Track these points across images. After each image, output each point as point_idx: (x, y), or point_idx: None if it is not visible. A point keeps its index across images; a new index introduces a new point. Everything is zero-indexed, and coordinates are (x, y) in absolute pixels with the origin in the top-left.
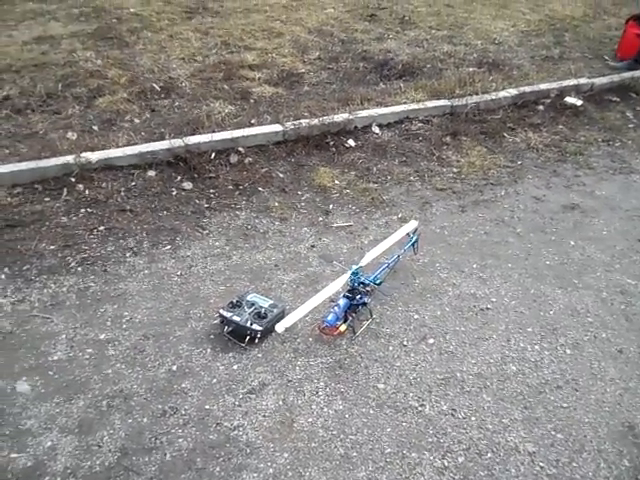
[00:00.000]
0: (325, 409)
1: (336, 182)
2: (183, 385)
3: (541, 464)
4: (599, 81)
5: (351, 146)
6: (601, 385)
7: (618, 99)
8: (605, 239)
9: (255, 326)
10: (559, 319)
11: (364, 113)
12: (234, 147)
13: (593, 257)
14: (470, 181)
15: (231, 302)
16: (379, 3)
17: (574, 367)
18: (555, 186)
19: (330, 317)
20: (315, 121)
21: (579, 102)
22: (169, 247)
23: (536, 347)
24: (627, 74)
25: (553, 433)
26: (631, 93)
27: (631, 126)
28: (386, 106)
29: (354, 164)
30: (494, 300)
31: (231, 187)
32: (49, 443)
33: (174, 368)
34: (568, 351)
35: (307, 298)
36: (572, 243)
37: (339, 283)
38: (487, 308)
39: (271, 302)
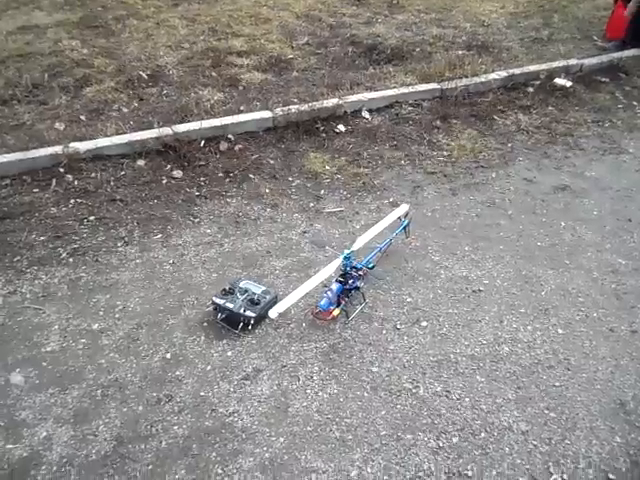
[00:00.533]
0: (320, 393)
1: (327, 167)
2: (177, 373)
3: (534, 442)
4: (588, 62)
5: (341, 131)
6: (593, 364)
7: (607, 79)
8: (596, 219)
9: (248, 312)
10: (551, 299)
11: (354, 98)
12: (224, 134)
13: (584, 237)
14: (461, 164)
15: (224, 289)
16: None
17: (566, 347)
18: (545, 168)
19: (323, 302)
20: (305, 107)
21: (568, 83)
22: (160, 236)
23: (528, 328)
24: (616, 54)
25: (546, 412)
26: (620, 73)
27: (620, 106)
28: (376, 90)
29: (344, 149)
30: (486, 282)
31: (221, 174)
32: (44, 433)
33: (168, 356)
34: (560, 331)
35: (300, 284)
36: (563, 224)
37: (331, 268)
38: (479, 290)
39: (264, 288)
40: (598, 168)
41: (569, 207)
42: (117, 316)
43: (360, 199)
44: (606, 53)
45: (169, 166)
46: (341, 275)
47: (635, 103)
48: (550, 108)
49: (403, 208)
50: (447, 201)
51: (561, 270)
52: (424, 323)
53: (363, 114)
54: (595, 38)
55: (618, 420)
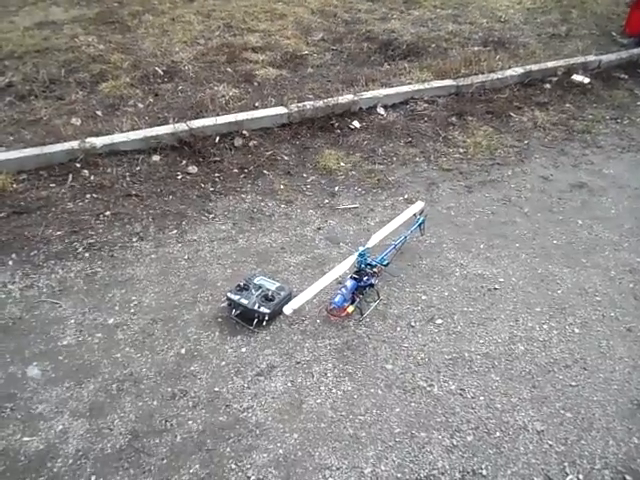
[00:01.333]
0: (334, 390)
1: (341, 164)
2: (192, 368)
3: (550, 442)
4: (607, 58)
5: (356, 127)
6: (610, 363)
7: (626, 76)
8: (613, 218)
9: (263, 309)
10: (567, 298)
11: (369, 94)
12: (238, 130)
13: (601, 236)
14: (477, 161)
15: (238, 285)
16: None
17: (582, 346)
18: (562, 165)
19: (337, 299)
20: (320, 103)
21: (586, 80)
22: (175, 231)
23: (544, 326)
24: (636, 50)
25: (562, 412)
26: (639, 70)
27: (639, 103)
28: (391, 87)
29: (359, 145)
30: (502, 280)
31: (236, 170)
32: (60, 427)
33: (183, 351)
34: (576, 330)
35: (314, 280)
36: (580, 222)
37: (346, 265)
38: (495, 288)
39: (278, 285)
40: (616, 166)
41: (586, 205)
42: (132, 311)
43: (375, 196)
44: (625, 49)
45: (184, 162)
46: (356, 272)
47: None
48: (567, 105)
49: (418, 205)
50: (462, 198)
51: (577, 269)
52: (439, 321)
53: (378, 110)
54: (614, 34)
55: (635, 421)
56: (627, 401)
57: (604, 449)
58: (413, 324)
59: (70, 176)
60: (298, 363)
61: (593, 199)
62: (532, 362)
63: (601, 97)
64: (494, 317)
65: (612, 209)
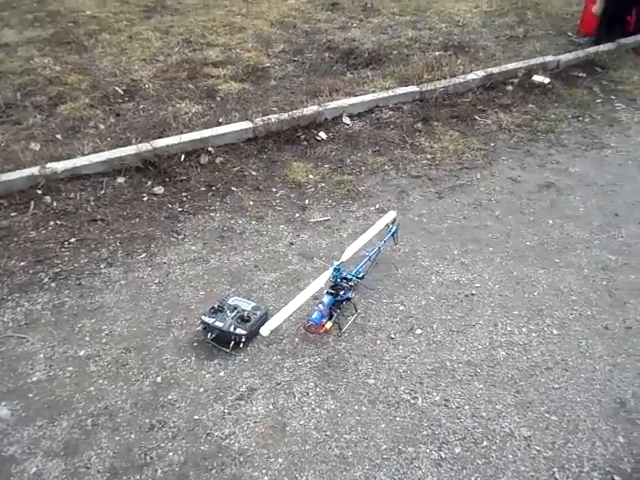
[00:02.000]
0: (317, 410)
1: (310, 176)
2: (169, 397)
3: (537, 448)
4: (565, 58)
5: (323, 139)
6: (590, 363)
7: (584, 74)
8: (583, 216)
9: (239, 330)
10: (544, 300)
11: (333, 104)
12: (204, 147)
13: (572, 235)
14: (445, 166)
15: (212, 307)
16: None
17: (562, 347)
18: (529, 166)
19: (315, 315)
20: (285, 115)
21: (547, 80)
22: (144, 255)
23: (523, 330)
24: (591, 49)
25: (547, 415)
26: (597, 68)
27: (599, 101)
28: (355, 96)
29: (327, 157)
30: (478, 285)
31: (204, 189)
32: (34, 469)
33: (159, 380)
34: (555, 331)
35: (290, 297)
36: (550, 222)
37: (321, 280)
38: (472, 294)
39: (253, 304)
40: (582, 164)
41: (555, 205)
42: (104, 341)
43: (346, 207)
44: (581, 48)
45: (150, 182)
46: (332, 287)
47: (613, 97)
48: (530, 105)
49: (390, 215)
50: (433, 205)
51: (552, 269)
52: (418, 331)
53: (344, 120)
54: (569, 34)
55: (620, 419)
56: (610, 400)
57: (591, 450)
58: (393, 336)
59: (32, 203)
60: (279, 384)
61: (562, 198)
62: (514, 367)
63: (562, 96)
64: (473, 323)
65: (581, 207)
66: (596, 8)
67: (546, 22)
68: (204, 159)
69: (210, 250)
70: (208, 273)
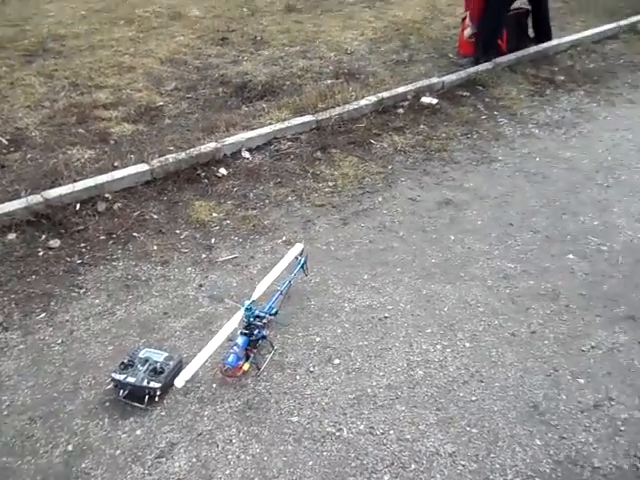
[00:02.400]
0: (242, 456)
1: (214, 214)
2: (83, 465)
3: (462, 463)
4: (448, 79)
5: (223, 175)
6: (502, 371)
7: (468, 93)
8: (481, 229)
9: (153, 384)
10: (453, 314)
11: (231, 139)
12: (100, 194)
13: (473, 248)
14: (347, 192)
15: (122, 362)
16: (228, 26)
17: (475, 359)
18: (427, 185)
19: (231, 358)
20: (182, 154)
21: (434, 101)
22: (44, 315)
23: (438, 347)
24: (472, 69)
25: (468, 429)
26: (478, 86)
27: (484, 117)
28: (252, 129)
29: (229, 193)
30: (390, 308)
31: (103, 237)
32: None
33: (70, 448)
34: (467, 344)
35: (203, 343)
36: (452, 238)
37: (234, 322)
38: (385, 317)
39: (166, 354)
40: (474, 179)
41: (455, 220)
42: (5, 413)
43: (253, 242)
44: (463, 69)
45: (44, 236)
46: (245, 327)
47: (496, 113)
48: (422, 126)
49: (298, 247)
50: (339, 232)
51: (458, 283)
52: (336, 361)
53: (243, 154)
54: (451, 56)
55: (534, 422)
56: (524, 405)
57: (512, 457)
58: (312, 369)
59: None
60: (200, 435)
61: (460, 213)
62: (432, 385)
63: (450, 115)
64: (389, 346)
65: (478, 220)
66: (467, 32)
67: (428, 46)
68: (101, 206)
69: (115, 301)
70: (115, 326)
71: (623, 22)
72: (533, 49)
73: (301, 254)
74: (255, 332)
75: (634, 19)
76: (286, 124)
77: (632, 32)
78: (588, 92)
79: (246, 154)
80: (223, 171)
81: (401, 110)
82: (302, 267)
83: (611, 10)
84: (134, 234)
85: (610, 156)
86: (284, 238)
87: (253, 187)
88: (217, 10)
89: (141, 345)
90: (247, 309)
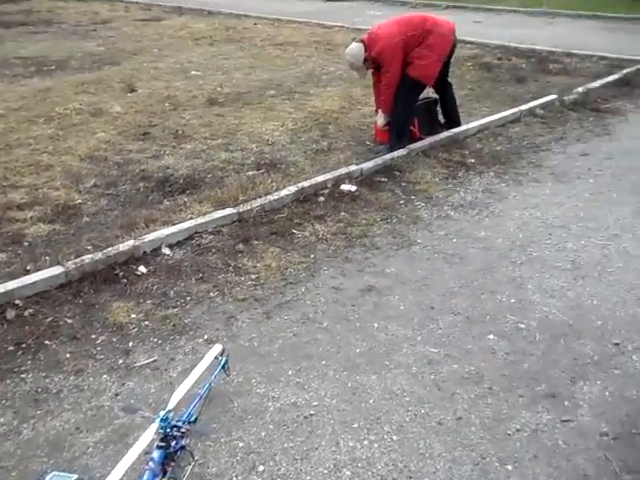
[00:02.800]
0: None
1: (132, 316)
2: None
3: None
4: (366, 166)
5: (143, 273)
6: (431, 464)
7: (386, 179)
8: (403, 314)
9: None
10: (380, 406)
11: (151, 236)
12: (9, 301)
13: (397, 334)
14: (270, 285)
15: None
16: (150, 121)
17: (403, 453)
18: (349, 272)
19: (146, 476)
20: (99, 254)
21: (354, 188)
22: None
23: (365, 442)
24: (388, 156)
25: None
26: (395, 172)
27: (402, 202)
28: (173, 224)
29: (149, 292)
30: (316, 404)
31: (12, 348)
32: None
33: None
34: (395, 437)
35: (119, 458)
36: (376, 325)
37: (149, 434)
38: (310, 414)
39: (75, 476)
40: (395, 263)
41: (378, 307)
42: None
43: (173, 343)
44: (380, 156)
45: None
46: (161, 439)
47: (413, 197)
48: (342, 214)
49: (217, 348)
50: (263, 326)
51: (383, 373)
52: (261, 468)
53: (163, 251)
54: (368, 143)
55: None
56: None
57: None
58: None
59: None
60: None
61: (383, 299)
62: None
63: (370, 201)
64: (315, 446)
65: (401, 305)
66: (380, 121)
67: (346, 134)
68: (10, 314)
69: (22, 419)
70: (21, 447)
71: (524, 107)
72: (444, 134)
73: (222, 354)
74: (173, 444)
75: (533, 104)
76: (207, 218)
77: (532, 116)
78: (497, 173)
79: (166, 250)
80: (142, 269)
81: (322, 198)
82: (223, 367)
83: (513, 96)
84: (46, 342)
85: (521, 234)
86: (205, 337)
87: (174, 284)
88: (139, 105)
89: (49, 468)
90: (162, 420)
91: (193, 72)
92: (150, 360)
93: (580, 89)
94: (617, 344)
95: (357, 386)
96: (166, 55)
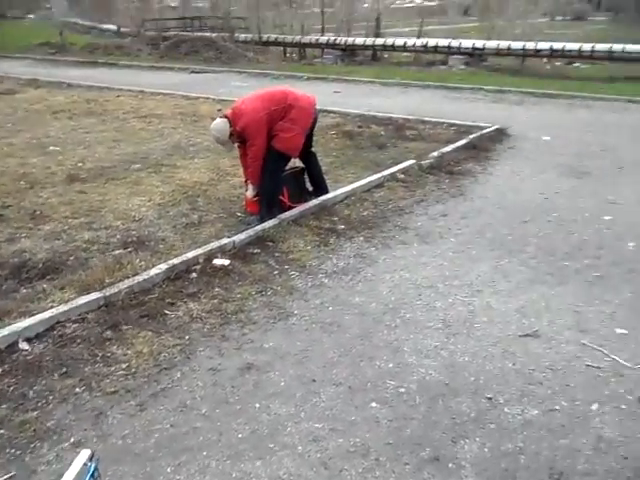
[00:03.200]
0: None
1: None
2: None
3: None
4: (238, 238)
5: None
6: None
7: (259, 250)
8: (285, 390)
9: None
10: None
11: (5, 331)
12: None
13: (280, 413)
14: (142, 373)
15: None
16: (3, 201)
17: None
18: (227, 351)
19: None
20: None
21: (227, 262)
22: None
23: None
24: (260, 227)
25: None
26: (268, 242)
27: (276, 273)
28: (31, 315)
29: (4, 395)
30: None
31: None
32: None
33: None
34: None
35: None
36: (257, 405)
37: None
38: None
39: None
40: (273, 337)
41: (258, 385)
42: None
43: (34, 452)
44: (251, 227)
45: None
46: None
47: (287, 266)
48: (217, 289)
49: (84, 454)
50: (136, 420)
51: (268, 457)
52: None
53: (21, 346)
54: (239, 214)
55: None
56: None
57: None
58: None
59: None
60: None
61: (263, 377)
62: None
63: (244, 274)
64: None
65: (281, 381)
66: (250, 193)
67: (216, 206)
68: None
69: None
70: None
71: (386, 172)
72: (313, 202)
73: (91, 459)
74: None
75: (394, 169)
76: (70, 305)
77: (394, 180)
78: (366, 237)
79: (24, 345)
80: None
81: (194, 275)
82: (92, 475)
83: (375, 162)
84: None
85: (393, 296)
86: (72, 440)
87: (34, 383)
88: None
89: None
90: None
91: (51, 147)
92: (6, 476)
93: (435, 153)
94: (490, 398)
95: (242, 476)
96: (21, 130)
